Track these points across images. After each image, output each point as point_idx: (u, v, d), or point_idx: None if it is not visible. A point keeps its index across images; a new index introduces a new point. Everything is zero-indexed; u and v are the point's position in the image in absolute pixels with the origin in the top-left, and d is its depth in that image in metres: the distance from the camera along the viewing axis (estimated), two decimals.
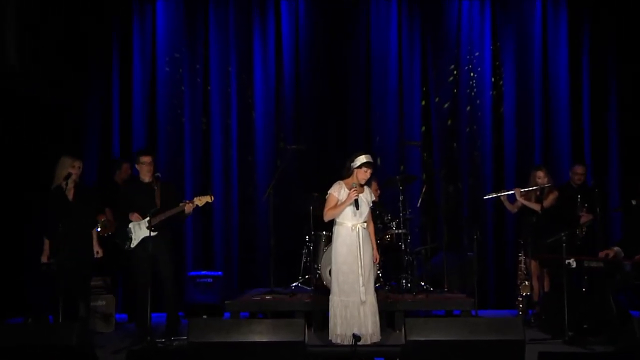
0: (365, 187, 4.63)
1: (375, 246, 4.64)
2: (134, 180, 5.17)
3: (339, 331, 4.40)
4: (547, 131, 6.63)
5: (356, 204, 4.42)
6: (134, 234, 4.95)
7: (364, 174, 4.48)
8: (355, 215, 4.49)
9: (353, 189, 4.43)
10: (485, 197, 5.91)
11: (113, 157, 6.44)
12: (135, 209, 4.92)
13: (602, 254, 4.95)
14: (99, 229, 5.37)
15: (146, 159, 4.98)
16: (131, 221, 4.94)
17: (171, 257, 5.02)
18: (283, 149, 6.49)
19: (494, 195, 5.80)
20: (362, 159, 4.49)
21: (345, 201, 4.46)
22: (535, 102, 6.64)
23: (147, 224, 4.83)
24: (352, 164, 4.50)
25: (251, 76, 6.70)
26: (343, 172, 4.57)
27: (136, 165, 5.03)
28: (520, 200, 5.60)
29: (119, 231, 5.06)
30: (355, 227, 4.47)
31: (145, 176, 4.96)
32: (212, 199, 4.93)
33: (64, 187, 4.93)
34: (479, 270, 5.79)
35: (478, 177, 6.67)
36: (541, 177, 5.54)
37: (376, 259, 4.61)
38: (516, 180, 6.36)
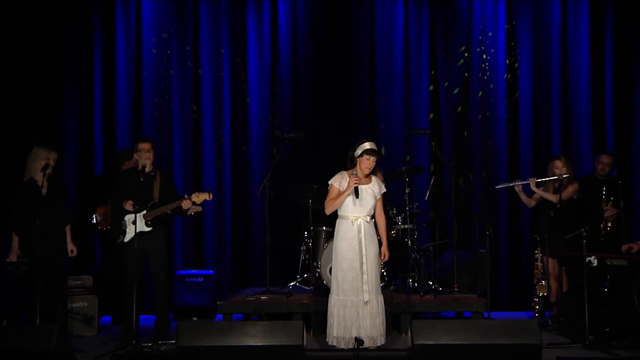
0: (373, 177, 4.61)
1: (385, 242, 4.61)
2: (132, 169, 5.18)
3: (336, 333, 4.40)
4: (566, 118, 6.58)
5: (356, 192, 4.40)
6: (128, 227, 4.94)
7: (367, 163, 4.48)
8: (355, 205, 4.48)
9: (353, 176, 4.42)
10: (497, 187, 5.85)
11: (121, 146, 6.33)
12: (131, 200, 4.90)
13: (625, 247, 4.91)
14: (94, 220, 5.27)
15: (145, 145, 4.98)
16: (127, 213, 4.92)
17: (165, 256, 5.01)
18: (280, 138, 6.46)
19: (507, 185, 5.74)
20: (364, 146, 4.49)
21: (344, 190, 4.45)
22: (554, 86, 6.59)
23: (142, 218, 4.82)
24: (354, 152, 4.51)
25: (245, 59, 6.65)
26: (347, 162, 4.58)
27: (135, 154, 5.03)
28: (536, 190, 5.55)
29: (114, 224, 5.04)
30: (357, 221, 4.46)
31: (144, 164, 4.94)
32: (211, 197, 4.92)
33: (42, 179, 4.88)
34: (492, 268, 5.74)
35: (491, 169, 6.64)
36: (559, 166, 5.51)
37: (384, 256, 4.56)
38: (532, 171, 6.30)
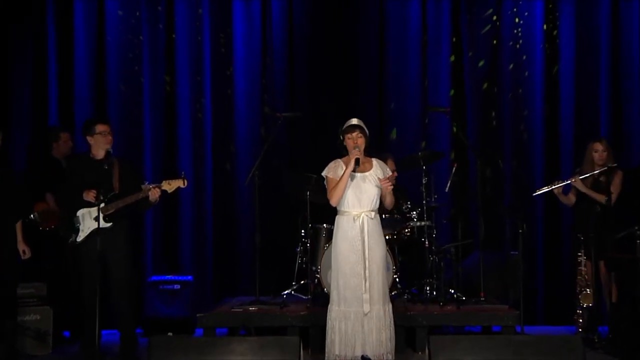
0: (374, 160, 4.60)
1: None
2: (82, 156, 5.14)
3: (337, 350, 4.39)
4: (616, 98, 6.52)
5: (357, 163, 4.42)
6: (82, 223, 4.90)
7: (351, 143, 4.49)
8: (355, 198, 4.47)
9: (355, 150, 4.44)
10: (535, 194, 5.76)
11: (81, 126, 6.27)
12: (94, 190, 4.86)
13: None
14: (33, 218, 5.28)
15: (104, 127, 4.97)
16: (79, 207, 4.87)
17: (127, 256, 4.99)
18: (271, 117, 6.40)
19: (547, 189, 5.61)
20: (346, 123, 4.52)
21: (346, 168, 4.45)
22: (602, 57, 6.52)
23: (100, 213, 4.78)
24: (340, 136, 4.55)
25: (229, 20, 6.61)
26: (342, 150, 4.60)
27: (88, 137, 5.00)
28: (585, 191, 5.46)
29: (63, 220, 4.99)
30: (359, 217, 4.44)
31: (101, 150, 4.92)
32: (186, 183, 4.95)
33: None
34: (526, 274, 5.71)
35: (524, 156, 6.61)
36: (599, 150, 5.49)
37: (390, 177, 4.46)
38: (575, 162, 6.25)
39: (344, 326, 4.38)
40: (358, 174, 4.47)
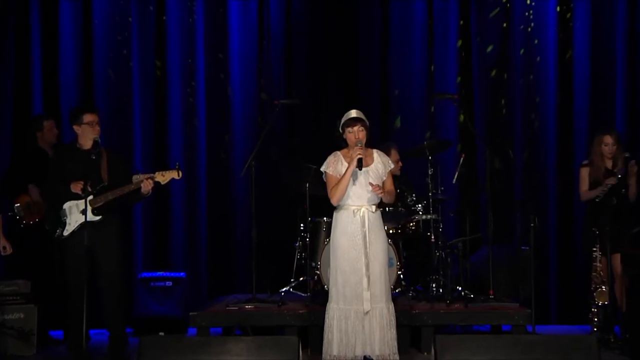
0: (375, 152, 4.59)
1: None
2: (68, 146, 5.13)
3: (335, 351, 4.38)
4: (633, 82, 6.50)
5: (359, 164, 4.39)
6: (69, 217, 4.89)
7: (352, 137, 4.47)
8: (355, 192, 4.46)
9: (357, 147, 4.41)
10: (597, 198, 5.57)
11: (67, 115, 6.27)
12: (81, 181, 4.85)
13: None
14: (16, 212, 5.25)
15: (93, 117, 4.97)
16: (66, 200, 4.87)
17: (118, 250, 4.99)
18: (269, 104, 6.38)
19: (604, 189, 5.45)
20: (346, 116, 4.49)
21: (348, 167, 4.43)
22: (618, 41, 6.49)
23: (88, 205, 4.75)
24: (340, 131, 4.54)
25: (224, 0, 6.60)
26: (341, 142, 4.57)
27: (75, 127, 4.99)
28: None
29: (49, 213, 4.98)
30: (359, 211, 4.44)
31: (89, 140, 4.91)
32: (180, 175, 4.97)
33: None
34: (537, 270, 5.73)
35: (536, 147, 6.60)
36: (609, 143, 5.49)
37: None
38: (589, 152, 6.18)
39: (344, 325, 4.38)
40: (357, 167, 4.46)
